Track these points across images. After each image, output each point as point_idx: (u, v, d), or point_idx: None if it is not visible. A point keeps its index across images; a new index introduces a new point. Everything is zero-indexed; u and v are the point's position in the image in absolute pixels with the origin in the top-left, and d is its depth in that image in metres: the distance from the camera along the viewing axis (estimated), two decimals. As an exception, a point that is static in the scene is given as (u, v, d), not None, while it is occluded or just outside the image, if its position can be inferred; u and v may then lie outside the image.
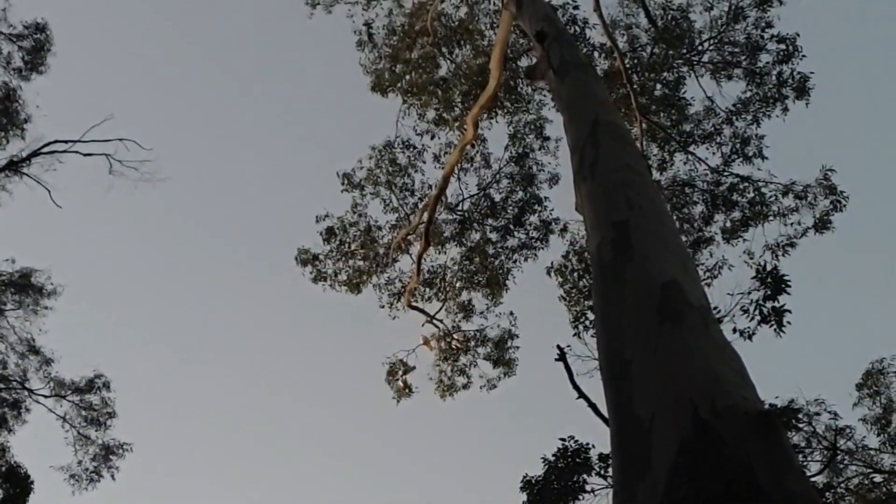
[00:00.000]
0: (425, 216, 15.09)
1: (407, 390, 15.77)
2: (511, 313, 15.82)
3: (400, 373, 15.87)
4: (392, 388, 15.85)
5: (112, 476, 20.17)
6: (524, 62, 14.98)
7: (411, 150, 15.74)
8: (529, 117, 15.50)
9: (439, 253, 15.95)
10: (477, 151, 15.51)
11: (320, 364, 35.72)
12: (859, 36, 29.43)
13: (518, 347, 15.76)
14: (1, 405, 19.78)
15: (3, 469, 18.42)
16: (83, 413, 20.32)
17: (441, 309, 16.10)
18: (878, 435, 16.48)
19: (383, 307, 16.11)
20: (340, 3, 16.56)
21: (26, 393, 20.07)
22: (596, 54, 14.99)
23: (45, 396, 20.27)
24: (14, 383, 20.03)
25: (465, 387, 15.82)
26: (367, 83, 16.14)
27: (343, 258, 15.83)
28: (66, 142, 19.49)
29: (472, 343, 15.86)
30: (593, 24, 14.60)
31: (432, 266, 16.06)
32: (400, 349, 16.08)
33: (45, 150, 19.45)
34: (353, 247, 15.77)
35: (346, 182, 15.68)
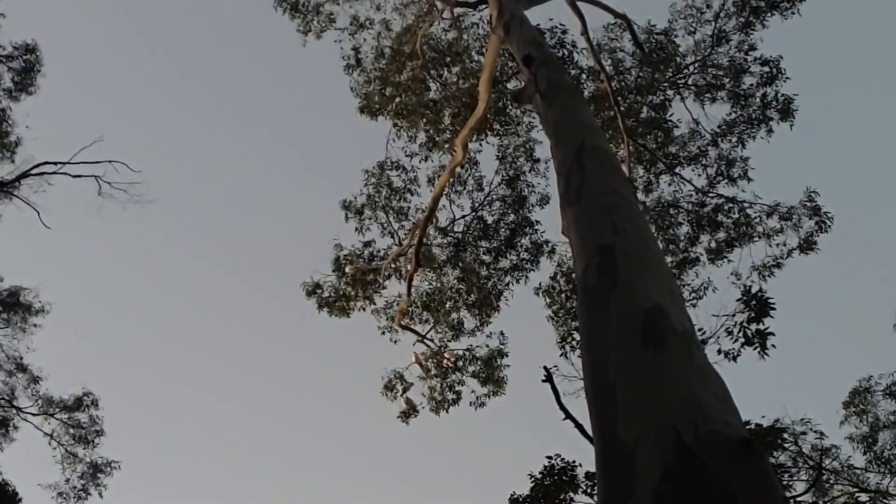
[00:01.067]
0: (416, 239, 15.15)
1: (411, 409, 15.81)
2: (501, 333, 15.88)
3: (399, 389, 15.89)
4: (393, 402, 15.88)
5: (100, 494, 20.14)
6: (513, 84, 15.14)
7: (402, 171, 15.85)
8: (519, 140, 15.65)
9: (433, 274, 16.02)
10: (469, 174, 15.63)
11: (311, 383, 35.57)
12: (843, 57, 29.88)
13: (508, 366, 15.81)
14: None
15: (-8, 487, 18.25)
16: (71, 431, 20.26)
17: (432, 328, 16.15)
18: (865, 454, 16.53)
19: (383, 333, 16.18)
20: (330, 29, 16.70)
21: (14, 411, 19.97)
22: (583, 77, 15.18)
23: (34, 414, 20.27)
24: (2, 401, 19.91)
25: (454, 403, 15.85)
26: (356, 106, 16.27)
27: (345, 285, 15.91)
28: (55, 163, 19.55)
29: (462, 362, 15.90)
30: (581, 48, 14.80)
31: (427, 289, 16.11)
32: (392, 367, 16.12)
33: (35, 171, 19.50)
34: (354, 272, 15.84)
35: (349, 209, 15.73)
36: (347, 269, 15.80)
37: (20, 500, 18.32)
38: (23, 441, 20.14)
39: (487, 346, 15.84)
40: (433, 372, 15.98)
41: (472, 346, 15.91)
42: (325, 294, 15.90)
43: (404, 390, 15.90)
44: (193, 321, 34.14)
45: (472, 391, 15.84)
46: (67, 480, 20.02)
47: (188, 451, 33.29)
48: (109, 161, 19.38)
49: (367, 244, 15.94)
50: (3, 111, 19.14)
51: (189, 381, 33.99)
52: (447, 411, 15.83)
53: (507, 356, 15.77)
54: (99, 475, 20.12)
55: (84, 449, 20.22)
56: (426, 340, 16.09)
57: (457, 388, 15.90)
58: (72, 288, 32.19)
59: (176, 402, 33.18)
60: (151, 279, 33.19)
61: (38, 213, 19.53)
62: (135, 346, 34.36)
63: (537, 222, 15.59)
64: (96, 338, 33.35)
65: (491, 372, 15.71)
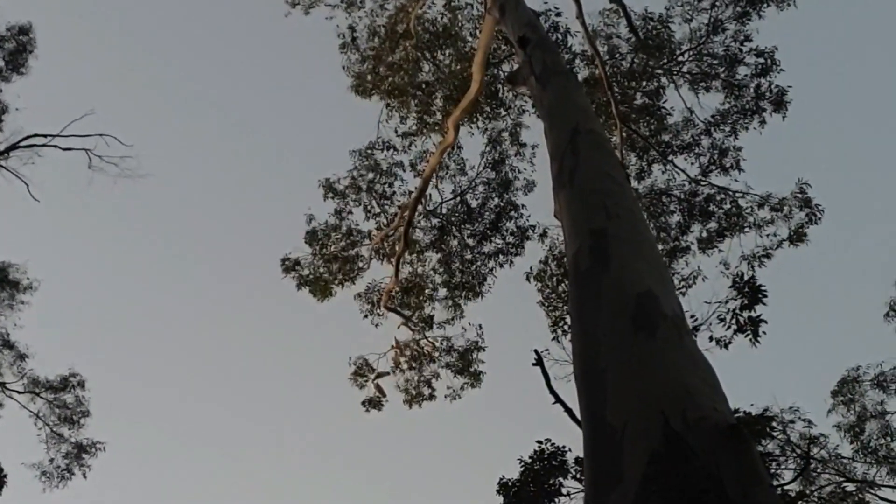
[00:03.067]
0: (405, 219, 15.08)
1: (379, 396, 15.65)
2: (480, 326, 15.74)
3: (371, 376, 15.78)
4: (361, 390, 15.76)
5: (84, 475, 20.13)
6: (506, 67, 15.03)
7: (392, 151, 15.75)
8: (506, 123, 15.56)
9: (415, 257, 15.95)
10: (453, 158, 15.53)
11: (297, 367, 35.53)
12: (837, 51, 29.87)
13: (483, 362, 15.70)
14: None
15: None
16: (57, 411, 20.19)
17: (414, 313, 16.10)
18: (852, 443, 16.68)
19: (366, 316, 16.08)
20: (320, 5, 16.52)
21: (0, 388, 19.89)
22: (577, 61, 15.08)
23: (19, 392, 20.20)
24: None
25: (430, 398, 15.80)
26: (349, 85, 16.14)
27: (324, 263, 15.78)
28: (45, 136, 19.36)
29: (438, 353, 15.82)
30: (575, 31, 14.69)
31: (409, 272, 16.04)
32: (366, 353, 16.02)
33: (24, 143, 19.32)
34: (332, 250, 15.72)
35: (329, 191, 15.61)
36: (325, 244, 15.64)
37: (6, 475, 18.27)
38: (8, 419, 20.11)
39: (465, 335, 15.73)
40: (410, 361, 15.88)
41: (447, 336, 15.81)
42: (305, 272, 15.76)
43: (377, 376, 15.78)
44: (184, 300, 33.99)
45: (448, 386, 15.77)
46: (52, 460, 20.03)
47: (174, 433, 33.28)
48: (100, 134, 19.22)
49: (341, 218, 15.74)
50: None
51: (178, 362, 33.91)
52: (420, 405, 15.77)
53: (483, 350, 15.65)
54: (83, 455, 20.11)
55: (69, 429, 20.22)
56: (409, 324, 16.03)
57: (433, 383, 15.84)
58: (60, 262, 31.96)
59: (164, 382, 33.11)
60: (142, 255, 32.95)
61: (28, 185, 19.42)
62: (124, 324, 34.20)
63: (522, 206, 15.53)
64: (84, 315, 33.15)
65: (467, 364, 15.64)
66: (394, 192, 15.77)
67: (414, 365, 15.88)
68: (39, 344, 25.46)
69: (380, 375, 15.86)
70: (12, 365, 20.16)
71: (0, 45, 18.94)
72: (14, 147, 19.23)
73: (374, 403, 15.63)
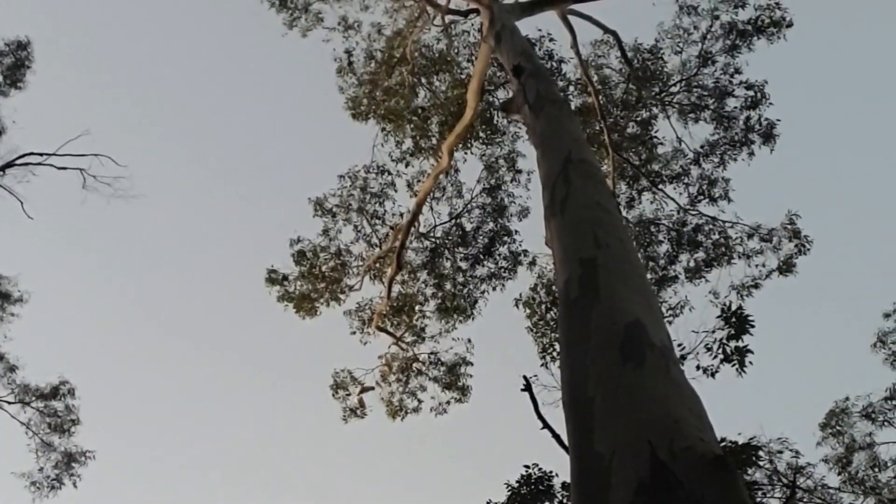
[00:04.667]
0: (398, 241, 15.15)
1: (361, 409, 15.72)
2: (469, 340, 15.88)
3: (356, 391, 15.82)
4: (343, 403, 15.78)
5: (74, 484, 19.87)
6: (501, 94, 15.21)
7: (385, 175, 15.86)
8: (503, 150, 15.73)
9: (407, 277, 16.01)
10: (449, 181, 15.66)
11: (286, 381, 35.36)
12: (827, 83, 30.31)
13: (471, 376, 15.83)
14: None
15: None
16: (47, 420, 20.06)
17: (405, 332, 16.15)
18: (839, 474, 16.70)
19: (354, 333, 16.14)
20: (317, 28, 16.69)
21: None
22: (571, 89, 15.28)
23: (9, 403, 20.04)
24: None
25: (415, 410, 15.83)
26: (344, 108, 16.28)
27: (312, 280, 15.81)
28: (40, 154, 19.46)
29: (425, 366, 15.89)
30: (569, 58, 14.91)
31: (400, 292, 16.10)
32: (357, 367, 16.09)
33: (20, 161, 19.38)
34: (323, 269, 15.76)
35: (318, 208, 15.70)
36: (313, 264, 15.69)
37: (-4, 486, 18.10)
38: (-3, 429, 19.96)
39: (454, 350, 15.83)
40: (398, 374, 15.95)
41: (440, 349, 15.91)
42: (291, 288, 15.77)
43: (362, 390, 15.82)
44: (173, 316, 33.86)
45: (433, 397, 15.84)
46: (41, 470, 19.83)
47: (164, 442, 33.00)
48: (95, 154, 19.30)
49: (330, 238, 15.82)
50: None
51: (167, 373, 33.73)
52: (402, 419, 15.79)
53: (471, 364, 15.78)
54: (73, 465, 19.93)
55: (59, 438, 20.07)
56: (400, 343, 16.08)
57: (419, 395, 15.89)
58: (52, 279, 31.82)
59: (153, 393, 32.90)
60: (132, 273, 32.90)
61: (22, 203, 19.44)
62: (113, 337, 34.07)
63: (516, 232, 15.67)
64: (75, 329, 33.01)
65: (454, 378, 15.71)
66: (385, 213, 15.87)
67: (401, 378, 15.92)
68: (30, 356, 25.41)
69: (364, 390, 15.89)
70: (3, 376, 20.09)
71: None
72: (9, 165, 19.31)
73: (355, 413, 15.71)
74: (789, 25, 14.38)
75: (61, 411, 20.11)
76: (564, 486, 10.29)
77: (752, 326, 8.76)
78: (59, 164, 19.42)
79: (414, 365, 15.92)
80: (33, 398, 20.13)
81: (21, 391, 20.11)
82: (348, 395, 15.85)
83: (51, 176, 20.78)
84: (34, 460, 19.89)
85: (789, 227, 14.10)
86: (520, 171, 15.78)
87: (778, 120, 14.37)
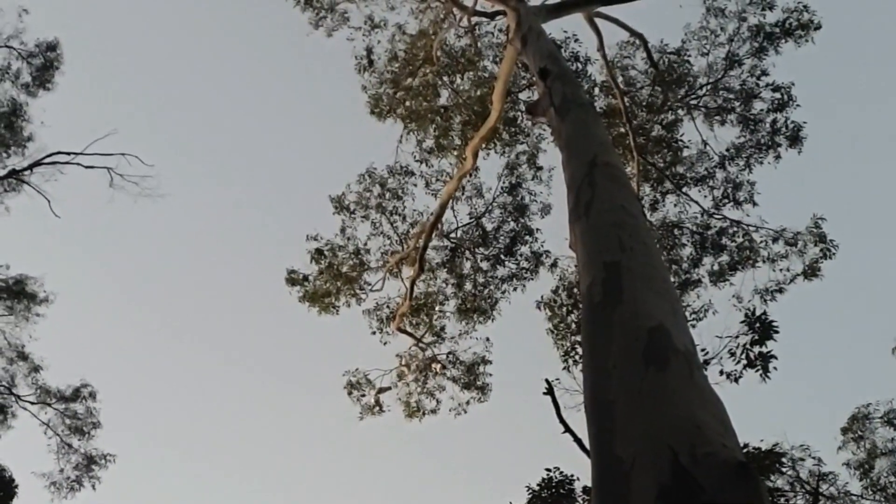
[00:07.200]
0: (420, 242, 15.19)
1: (378, 408, 15.78)
2: (487, 339, 15.85)
3: (373, 391, 15.88)
4: (359, 403, 15.83)
5: (93, 486, 20.15)
6: (525, 95, 15.20)
7: (408, 176, 15.90)
8: (524, 148, 15.70)
9: (430, 276, 16.05)
10: (468, 181, 15.67)
11: (307, 382, 35.58)
12: (856, 86, 29.90)
13: (490, 374, 15.83)
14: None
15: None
16: (67, 421, 20.26)
17: (425, 333, 16.18)
18: (861, 480, 16.54)
19: (374, 333, 16.20)
20: (343, 28, 16.76)
21: (13, 398, 20.02)
22: (596, 90, 15.23)
23: (32, 403, 20.32)
24: (1, 388, 19.98)
25: (433, 412, 15.85)
26: (366, 107, 16.34)
27: (331, 280, 15.90)
28: (68, 153, 19.72)
29: (444, 367, 15.91)
30: (594, 59, 14.86)
31: (421, 292, 16.14)
32: (375, 367, 16.15)
33: (47, 160, 19.66)
34: (342, 269, 15.84)
35: (337, 206, 15.79)
36: (332, 263, 15.77)
37: (17, 486, 18.38)
38: (20, 429, 20.22)
39: (473, 350, 15.84)
40: (416, 374, 15.98)
41: (459, 348, 15.92)
42: (309, 287, 15.85)
43: (379, 391, 15.85)
44: (198, 316, 34.21)
45: (452, 398, 15.84)
46: (61, 470, 20.09)
47: (186, 447, 33.33)
48: (122, 154, 19.52)
49: (347, 237, 15.88)
50: (20, 106, 19.34)
51: (191, 377, 34.06)
52: (420, 420, 15.81)
53: (490, 363, 15.78)
54: (93, 467, 20.16)
55: (79, 440, 20.28)
56: (420, 344, 16.11)
57: (437, 395, 15.90)
58: (78, 278, 32.29)
59: (176, 398, 33.25)
60: (158, 272, 33.32)
61: (49, 201, 19.70)
62: (137, 339, 34.44)
63: (538, 230, 15.63)
64: (99, 329, 33.43)
65: (473, 378, 15.70)
66: (404, 210, 15.91)
67: (420, 378, 15.96)
68: (54, 356, 25.70)
69: (382, 391, 15.94)
70: (26, 376, 20.32)
71: (28, 60, 19.33)
72: (37, 164, 19.58)
73: (371, 411, 15.74)
74: (817, 28, 14.24)
75: (82, 413, 20.35)
76: (586, 489, 10.29)
77: (777, 332, 8.72)
78: (86, 163, 19.74)
79: (433, 365, 15.94)
80: (54, 400, 20.33)
81: (42, 392, 20.33)
82: (363, 395, 15.89)
83: (78, 175, 21.05)
84: (54, 461, 20.21)
85: (815, 230, 13.95)
86: (540, 168, 15.77)
87: (805, 122, 14.24)
